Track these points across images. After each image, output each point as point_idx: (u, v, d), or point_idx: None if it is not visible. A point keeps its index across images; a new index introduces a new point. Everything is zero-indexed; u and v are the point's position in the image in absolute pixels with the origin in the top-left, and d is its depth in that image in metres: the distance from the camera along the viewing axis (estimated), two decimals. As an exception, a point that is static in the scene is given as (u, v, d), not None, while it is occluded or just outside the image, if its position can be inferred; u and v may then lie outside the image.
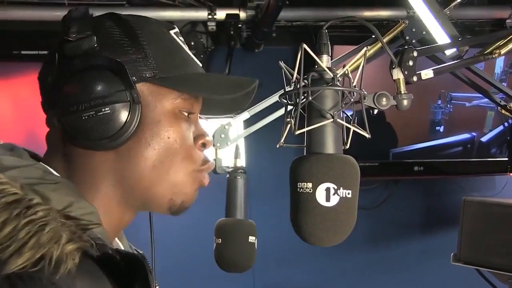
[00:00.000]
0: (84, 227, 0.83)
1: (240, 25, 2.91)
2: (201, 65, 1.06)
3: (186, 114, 0.99)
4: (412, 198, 3.40)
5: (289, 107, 1.02)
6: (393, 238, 3.36)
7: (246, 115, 1.70)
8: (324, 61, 0.99)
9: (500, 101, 1.81)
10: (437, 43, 1.52)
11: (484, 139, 3.17)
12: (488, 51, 1.38)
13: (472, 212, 2.51)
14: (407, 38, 1.61)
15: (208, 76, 1.05)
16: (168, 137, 0.96)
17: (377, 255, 3.33)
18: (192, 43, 2.91)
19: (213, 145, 1.52)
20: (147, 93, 0.94)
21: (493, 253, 2.41)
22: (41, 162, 0.94)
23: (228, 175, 1.60)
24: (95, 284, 0.85)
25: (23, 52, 2.87)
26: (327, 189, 0.92)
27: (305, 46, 0.95)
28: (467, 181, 3.38)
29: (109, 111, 0.89)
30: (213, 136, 1.50)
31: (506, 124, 3.18)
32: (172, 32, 1.02)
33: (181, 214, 1.01)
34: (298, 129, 0.97)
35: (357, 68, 1.49)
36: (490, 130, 3.17)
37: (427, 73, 1.27)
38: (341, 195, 0.92)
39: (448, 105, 3.05)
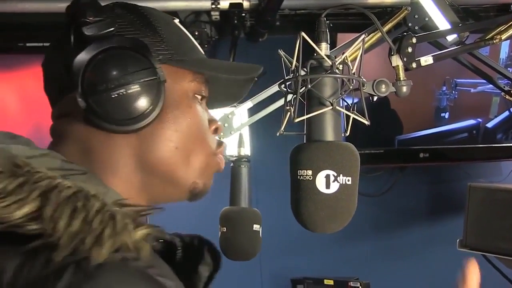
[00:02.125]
0: (140, 213, 0.84)
1: (243, 15, 2.90)
2: (203, 52, 1.07)
3: (199, 98, 1.00)
4: (418, 185, 3.39)
5: (289, 96, 1.03)
6: (399, 225, 3.36)
7: (249, 104, 1.71)
8: (323, 49, 1.00)
9: (504, 87, 1.81)
10: (439, 29, 1.51)
11: (489, 125, 3.16)
12: (489, 36, 1.38)
13: (477, 198, 2.50)
14: (409, 24, 1.60)
15: (219, 60, 1.07)
16: (189, 119, 0.97)
17: (383, 242, 3.33)
18: (196, 33, 2.90)
19: (217, 134, 1.53)
20: (166, 76, 0.94)
21: (499, 238, 2.41)
22: (52, 151, 0.93)
23: (232, 164, 1.61)
24: (165, 268, 0.87)
25: (27, 44, 2.87)
26: (327, 176, 0.93)
27: (303, 34, 0.96)
28: (473, 167, 3.37)
29: (138, 88, 0.89)
30: (217, 126, 1.50)
31: (511, 109, 3.17)
32: (175, 21, 1.03)
33: (199, 199, 1.02)
34: (298, 117, 0.98)
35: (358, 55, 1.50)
36: (496, 116, 3.15)
37: (426, 60, 1.27)
38: (341, 182, 0.94)
39: (453, 92, 3.03)
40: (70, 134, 0.95)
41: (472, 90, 3.06)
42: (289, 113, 0.99)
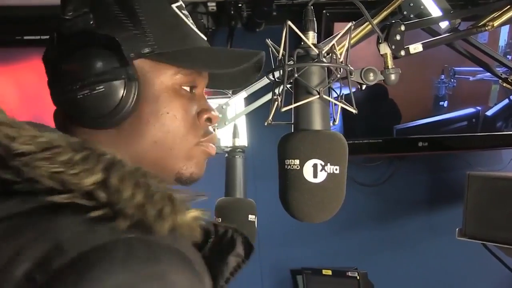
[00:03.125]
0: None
1: (240, 5, 2.89)
2: (205, 38, 1.05)
3: (187, 89, 0.99)
4: (417, 174, 3.39)
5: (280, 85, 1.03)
6: (399, 215, 3.35)
7: (243, 94, 1.70)
8: (310, 38, 0.99)
9: (501, 74, 1.80)
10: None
11: (489, 113, 3.14)
12: (481, 23, 1.37)
13: (476, 187, 2.50)
14: (405, 13, 1.59)
15: (209, 50, 1.05)
16: (167, 113, 0.96)
17: (383, 232, 3.33)
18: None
19: (211, 125, 1.52)
20: (147, 70, 0.94)
21: (499, 227, 2.41)
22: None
23: (226, 155, 1.61)
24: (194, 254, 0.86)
25: (25, 37, 2.87)
26: (315, 165, 0.93)
27: (289, 23, 0.95)
28: (473, 156, 3.36)
29: (103, 89, 0.89)
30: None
31: (511, 97, 3.15)
32: (174, 6, 1.01)
33: (190, 185, 1.01)
34: (286, 106, 0.98)
35: (353, 44, 1.49)
36: (495, 104, 3.13)
37: (416, 47, 1.26)
38: (329, 171, 0.93)
39: (452, 80, 3.02)
40: (60, 126, 0.97)
41: (471, 78, 3.04)
42: (276, 102, 0.99)
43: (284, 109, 0.96)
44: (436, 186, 3.41)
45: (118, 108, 0.91)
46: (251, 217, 1.43)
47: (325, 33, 2.68)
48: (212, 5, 2.87)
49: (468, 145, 3.12)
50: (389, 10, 1.58)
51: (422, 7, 1.58)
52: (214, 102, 1.68)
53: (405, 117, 3.06)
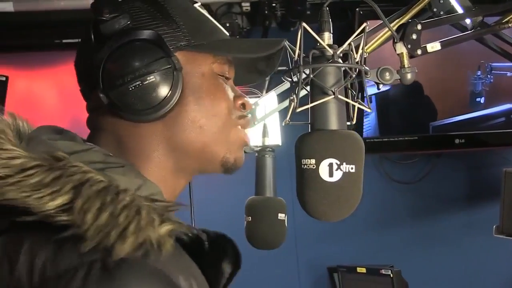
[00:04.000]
0: (168, 209, 0.87)
1: (274, 4, 2.91)
2: (227, 33, 1.10)
3: (223, 78, 1.04)
4: (454, 171, 3.35)
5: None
6: (435, 212, 3.32)
7: (273, 94, 1.71)
8: (326, 39, 1.00)
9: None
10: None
11: (527, 109, 3.09)
12: (505, 20, 1.35)
13: (513, 183, 2.47)
14: (435, 10, 1.58)
15: (238, 39, 1.11)
16: (210, 98, 1.01)
17: (420, 229, 3.30)
18: (228, 25, 2.92)
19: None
20: (185, 61, 0.98)
21: (537, 224, 2.38)
22: (94, 145, 0.97)
23: (256, 154, 1.62)
24: (188, 264, 0.90)
25: (64, 41, 2.94)
26: (330, 165, 0.94)
27: (304, 24, 0.97)
28: (510, 152, 3.31)
29: (154, 79, 0.94)
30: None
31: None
32: (196, 5, 1.07)
33: (233, 173, 1.06)
34: (302, 106, 0.99)
35: (383, 42, 1.48)
36: (533, 100, 3.09)
37: (433, 46, 1.25)
38: (344, 170, 0.94)
39: (489, 76, 2.97)
40: (103, 127, 1.00)
41: (509, 73, 3.00)
42: (293, 103, 1.00)
43: (299, 109, 0.98)
44: (473, 183, 3.37)
45: (168, 98, 0.95)
46: (281, 216, 1.44)
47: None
48: (246, 5, 2.90)
49: (505, 141, 3.07)
50: (418, 8, 1.57)
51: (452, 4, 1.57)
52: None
53: (441, 114, 3.03)
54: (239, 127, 1.06)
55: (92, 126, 1.03)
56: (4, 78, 2.88)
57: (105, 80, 0.93)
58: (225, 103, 1.03)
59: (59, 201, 0.79)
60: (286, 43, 1.05)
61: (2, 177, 0.81)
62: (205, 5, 2.82)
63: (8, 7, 2.64)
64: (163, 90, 0.94)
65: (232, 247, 1.03)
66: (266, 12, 2.92)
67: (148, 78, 0.93)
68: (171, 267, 0.81)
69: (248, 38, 1.09)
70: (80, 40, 1.05)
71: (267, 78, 2.66)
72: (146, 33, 0.95)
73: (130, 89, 0.93)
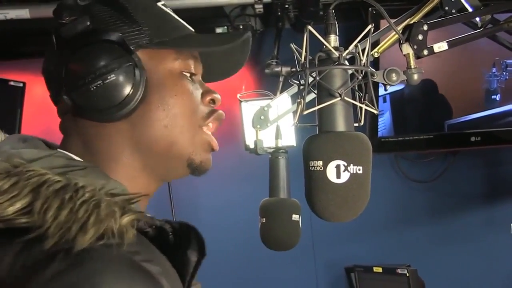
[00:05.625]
0: (130, 201, 0.89)
1: (287, 6, 2.91)
2: (193, 30, 1.11)
3: (188, 75, 1.05)
4: (471, 169, 3.33)
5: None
6: (453, 210, 3.31)
7: (285, 95, 1.72)
8: (332, 41, 1.01)
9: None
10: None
11: (543, 105, 3.07)
12: (513, 18, 1.35)
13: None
14: (446, 8, 1.58)
15: (201, 35, 1.12)
16: (175, 95, 1.02)
17: (437, 228, 3.30)
18: (241, 27, 2.94)
19: (253, 127, 1.55)
20: (147, 59, 1.00)
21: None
22: (59, 150, 1.00)
23: (270, 156, 1.63)
24: (152, 253, 0.91)
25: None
26: (337, 166, 0.95)
27: (310, 27, 0.98)
28: (527, 150, 3.29)
29: (114, 77, 0.94)
30: (253, 118, 1.53)
31: None
32: (159, 3, 1.08)
33: (202, 175, 1.07)
34: (309, 109, 1.00)
35: (393, 43, 1.49)
36: (549, 96, 3.06)
37: (440, 46, 1.25)
38: (352, 172, 0.95)
39: (504, 73, 2.96)
40: (70, 131, 1.02)
41: (524, 70, 2.98)
42: (300, 105, 1.01)
43: (306, 112, 0.99)
44: (490, 180, 3.35)
45: (131, 95, 0.96)
46: (295, 217, 1.44)
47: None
48: (259, 7, 2.90)
49: (522, 139, 3.05)
50: (430, 6, 1.57)
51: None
52: (256, 104, 1.70)
53: (456, 112, 3.01)
54: (205, 128, 1.07)
55: (63, 130, 1.05)
56: (21, 84, 2.92)
57: (68, 82, 0.95)
58: (188, 102, 1.03)
59: (18, 205, 0.81)
60: (293, 46, 1.06)
61: None
62: (218, 8, 2.85)
63: (25, 13, 2.67)
64: (125, 88, 0.95)
65: (195, 235, 1.03)
66: (279, 13, 2.93)
67: (109, 77, 0.94)
68: (139, 254, 0.83)
69: (213, 33, 1.11)
70: (47, 46, 1.05)
71: (281, 79, 2.68)
72: (105, 34, 0.96)
73: (92, 89, 0.94)
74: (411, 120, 3.07)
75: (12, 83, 2.90)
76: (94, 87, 0.94)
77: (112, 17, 1.00)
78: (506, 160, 3.32)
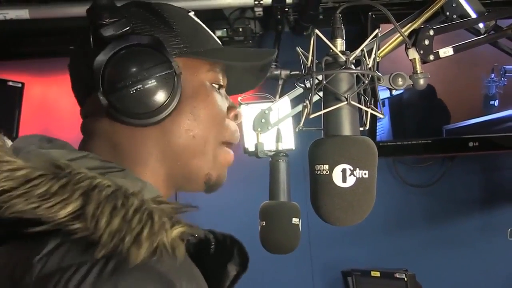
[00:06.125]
0: (177, 210, 0.88)
1: (286, 9, 2.92)
2: (220, 43, 1.11)
3: (217, 87, 1.05)
4: (468, 174, 3.34)
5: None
6: (451, 215, 3.32)
7: (286, 99, 1.72)
8: (338, 45, 1.01)
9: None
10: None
11: (541, 111, 3.07)
12: (516, 24, 1.35)
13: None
14: (447, 13, 1.58)
15: (233, 48, 1.12)
16: (206, 108, 1.02)
17: (434, 233, 3.30)
18: (240, 30, 2.93)
19: (254, 130, 1.55)
20: (182, 68, 0.98)
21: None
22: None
23: (270, 159, 1.63)
24: (190, 267, 0.89)
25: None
26: (343, 170, 0.94)
27: (317, 31, 0.98)
28: (525, 155, 3.30)
29: (155, 83, 0.94)
30: (254, 121, 1.53)
31: None
32: (190, 14, 1.08)
33: (214, 191, 1.07)
34: (315, 113, 1.00)
35: (396, 46, 1.49)
36: (548, 102, 3.06)
37: (446, 51, 1.26)
38: (358, 176, 0.95)
39: (502, 79, 2.96)
40: (98, 132, 1.00)
41: (523, 76, 2.99)
42: (306, 109, 1.01)
43: (312, 116, 0.99)
44: (488, 186, 3.36)
45: (168, 102, 0.95)
46: (295, 220, 1.44)
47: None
48: (259, 10, 2.90)
49: (520, 145, 3.05)
50: (431, 11, 1.57)
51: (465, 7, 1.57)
52: (257, 107, 1.70)
53: (454, 117, 3.02)
54: (226, 147, 1.07)
55: (87, 131, 1.03)
56: (20, 85, 2.91)
57: (106, 83, 0.93)
58: (217, 114, 1.04)
59: (70, 208, 0.80)
60: (299, 49, 1.06)
61: (7, 189, 0.81)
62: (217, 10, 2.85)
63: (24, 14, 2.66)
64: (163, 95, 0.95)
65: (239, 248, 1.04)
66: (279, 17, 2.92)
67: (149, 82, 0.93)
68: (174, 270, 0.82)
69: (241, 48, 1.11)
70: (74, 46, 1.05)
71: (280, 83, 2.68)
72: (146, 38, 0.96)
73: (131, 92, 0.93)
74: (410, 124, 3.08)
75: (10, 83, 2.89)
76: (134, 91, 0.93)
77: (149, 22, 1.00)
78: (503, 166, 3.33)
